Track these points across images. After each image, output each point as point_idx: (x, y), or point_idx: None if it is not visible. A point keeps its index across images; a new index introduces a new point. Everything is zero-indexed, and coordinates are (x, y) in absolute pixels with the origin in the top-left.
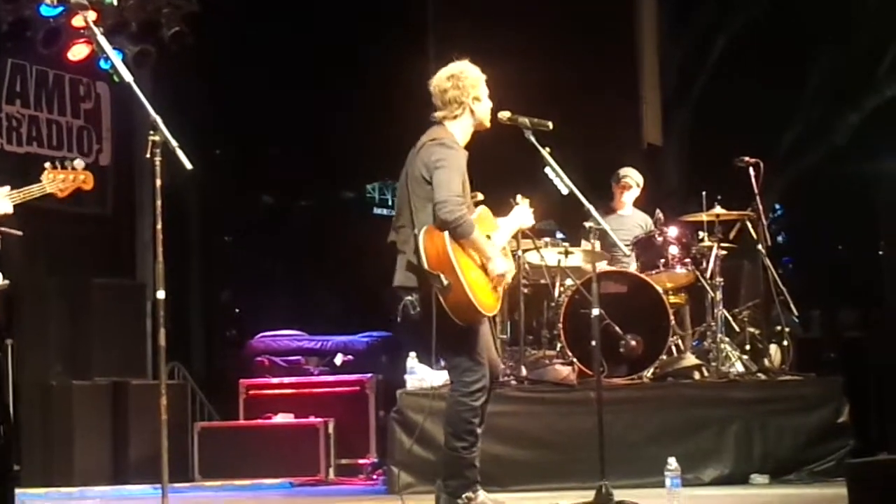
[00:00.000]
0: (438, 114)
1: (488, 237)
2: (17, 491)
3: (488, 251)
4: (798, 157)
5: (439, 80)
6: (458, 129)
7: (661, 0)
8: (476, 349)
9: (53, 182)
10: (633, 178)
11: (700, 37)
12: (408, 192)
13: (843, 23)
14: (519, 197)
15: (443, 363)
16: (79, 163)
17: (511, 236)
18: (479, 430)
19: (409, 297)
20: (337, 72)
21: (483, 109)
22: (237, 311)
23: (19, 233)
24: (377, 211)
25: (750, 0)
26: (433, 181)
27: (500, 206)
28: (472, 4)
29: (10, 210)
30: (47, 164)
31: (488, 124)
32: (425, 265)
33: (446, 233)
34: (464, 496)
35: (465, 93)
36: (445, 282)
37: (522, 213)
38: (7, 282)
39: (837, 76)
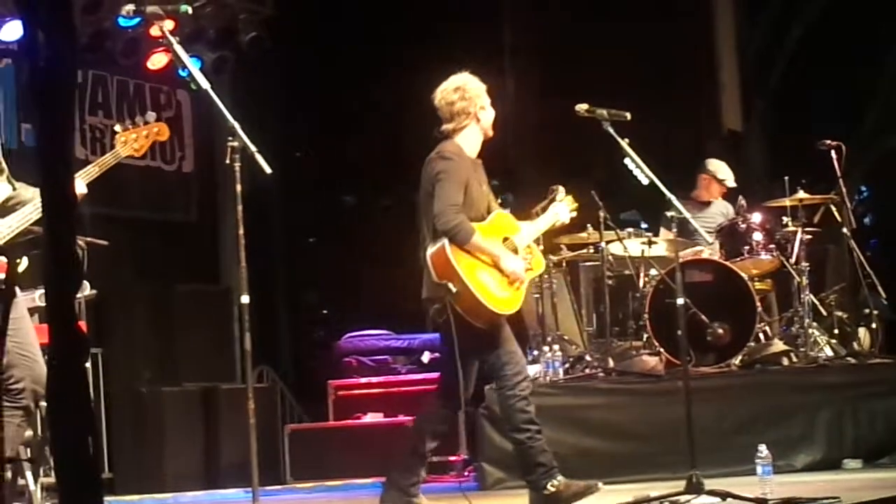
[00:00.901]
0: (446, 127)
1: (506, 239)
2: (111, 499)
3: (493, 251)
4: (882, 137)
5: (445, 92)
6: (465, 141)
7: None
8: (506, 344)
9: (127, 144)
10: (732, 181)
11: (778, 20)
12: (423, 207)
13: None
14: (561, 190)
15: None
16: (150, 115)
17: (543, 232)
18: (535, 418)
19: (435, 306)
20: (416, 70)
21: (488, 118)
22: (324, 312)
23: (105, 242)
24: None
25: None
26: (435, 194)
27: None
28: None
29: (84, 190)
30: (117, 127)
31: (491, 133)
32: (434, 277)
33: (446, 242)
34: (548, 486)
35: (471, 103)
36: (454, 289)
37: (560, 209)
38: (94, 291)
39: None
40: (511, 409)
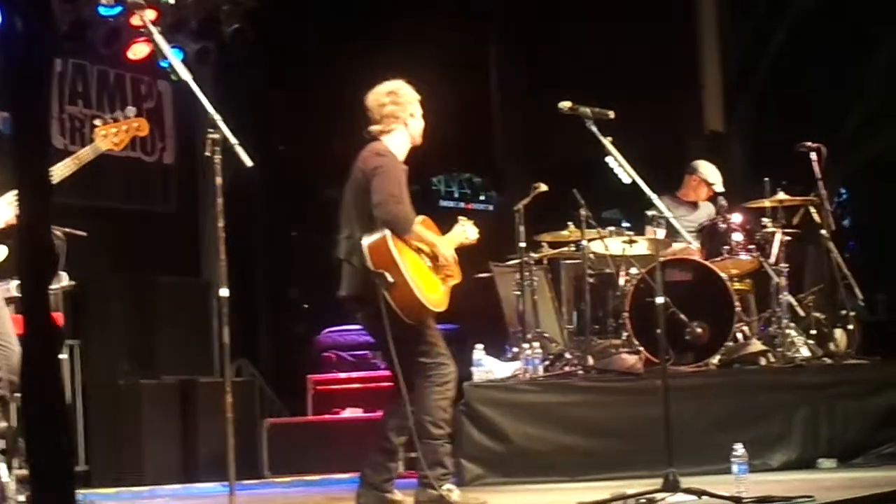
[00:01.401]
0: (374, 128)
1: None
2: (88, 491)
3: (433, 240)
4: (862, 140)
5: (377, 95)
6: (393, 144)
7: None
8: (436, 342)
9: (106, 138)
10: (721, 186)
11: (761, 22)
12: (352, 203)
13: None
14: (462, 218)
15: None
16: (130, 110)
17: (454, 246)
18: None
19: (363, 310)
20: (401, 63)
21: (417, 126)
22: (305, 306)
23: (83, 233)
24: (443, 203)
25: None
26: (371, 188)
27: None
28: None
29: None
30: (97, 122)
31: (420, 141)
32: (370, 265)
33: (388, 232)
34: (445, 487)
35: (402, 108)
36: (391, 279)
37: (466, 228)
38: (73, 283)
39: None
40: (434, 406)
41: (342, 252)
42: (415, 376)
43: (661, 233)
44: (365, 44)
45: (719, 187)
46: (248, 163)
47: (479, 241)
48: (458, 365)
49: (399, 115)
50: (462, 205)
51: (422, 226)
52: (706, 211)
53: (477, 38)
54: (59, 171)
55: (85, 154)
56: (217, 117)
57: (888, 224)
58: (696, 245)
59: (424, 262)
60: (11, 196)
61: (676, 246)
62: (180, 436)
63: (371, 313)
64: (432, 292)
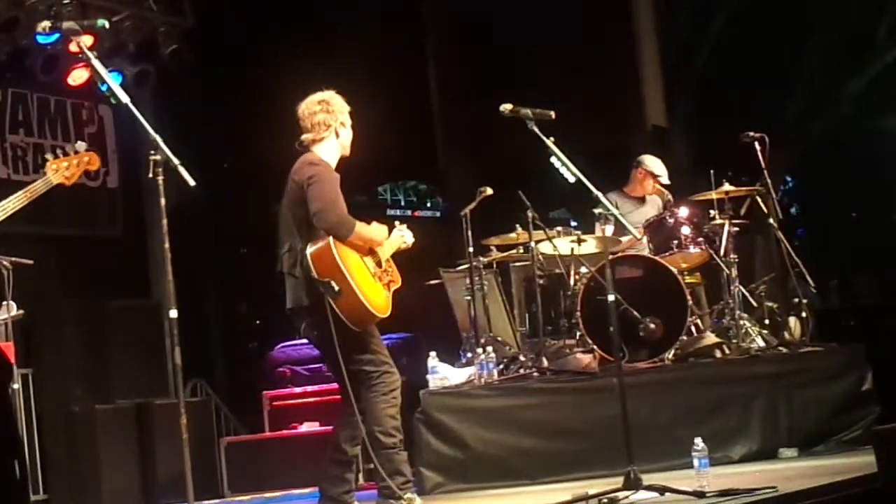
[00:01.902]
0: (305, 137)
1: (371, 251)
2: None
3: (375, 235)
4: (804, 127)
5: (309, 103)
6: (325, 153)
7: None
8: (380, 350)
9: (58, 172)
10: (667, 177)
11: (698, 14)
12: (290, 216)
13: None
14: (397, 223)
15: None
16: (80, 145)
17: (392, 251)
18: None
19: (307, 320)
20: (339, 74)
21: (347, 136)
22: (257, 322)
23: (30, 261)
24: (390, 212)
25: None
26: (308, 197)
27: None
28: None
29: None
30: (48, 156)
31: (348, 152)
32: (314, 274)
33: (330, 240)
34: (406, 496)
35: (332, 117)
36: (336, 287)
37: (402, 232)
38: (21, 311)
39: (837, 44)
40: (381, 414)
41: (284, 265)
42: (360, 386)
43: (609, 229)
44: (303, 57)
45: (665, 179)
46: (192, 182)
47: (427, 247)
48: (413, 373)
49: (330, 124)
50: (409, 212)
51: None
52: (654, 205)
53: (413, 45)
54: (11, 205)
55: (37, 188)
56: (158, 139)
57: (835, 209)
58: (644, 238)
59: (367, 268)
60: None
61: (625, 240)
62: (138, 459)
63: (316, 322)
64: (377, 298)
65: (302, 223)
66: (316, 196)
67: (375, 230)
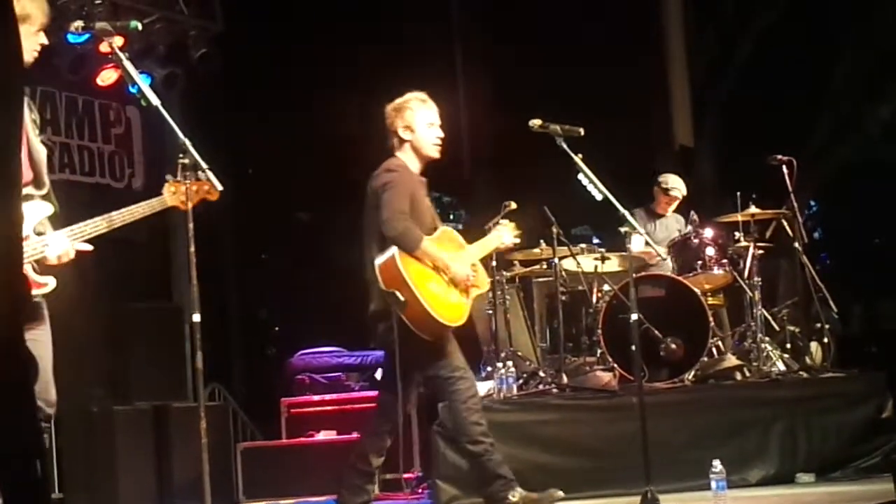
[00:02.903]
0: (390, 142)
1: None
2: None
3: (442, 257)
4: (830, 151)
5: (388, 110)
6: (406, 158)
7: (688, 2)
8: (454, 358)
9: (175, 195)
10: (680, 191)
11: (727, 36)
12: (367, 222)
13: (867, 16)
14: (503, 221)
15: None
16: (204, 174)
17: (486, 254)
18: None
19: (382, 324)
20: (368, 87)
21: (418, 140)
22: (276, 329)
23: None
24: None
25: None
26: (380, 204)
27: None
28: (496, 13)
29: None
30: (168, 177)
31: (430, 154)
32: (382, 285)
33: (395, 250)
34: (508, 497)
35: (396, 123)
36: (401, 298)
37: (503, 232)
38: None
39: (864, 69)
40: (465, 423)
41: (368, 273)
42: (440, 393)
43: (636, 242)
44: (332, 66)
45: (676, 193)
46: (219, 187)
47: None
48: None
49: (397, 129)
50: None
51: (440, 239)
52: (674, 222)
53: (444, 57)
54: (120, 218)
55: (151, 205)
56: (187, 142)
57: (859, 234)
58: (668, 259)
59: (441, 276)
60: (72, 230)
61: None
62: (154, 461)
63: (388, 331)
64: (447, 307)
65: (374, 230)
66: (387, 203)
67: (443, 254)
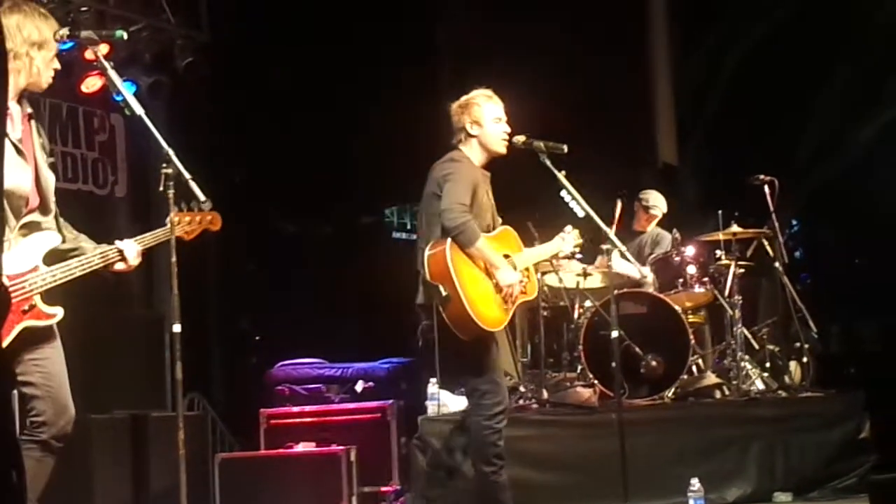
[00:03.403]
0: (455, 138)
1: (507, 256)
2: None
3: (494, 261)
4: (813, 172)
5: (453, 106)
6: (471, 152)
7: (673, 20)
8: (490, 371)
9: (179, 225)
10: (660, 209)
11: (712, 55)
12: (424, 210)
13: (852, 38)
14: (569, 227)
15: (462, 388)
16: (206, 204)
17: (544, 259)
18: (504, 454)
19: (425, 322)
20: (353, 96)
21: (486, 135)
22: (257, 338)
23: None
24: (396, 235)
25: (760, 18)
26: (442, 193)
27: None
28: (483, 30)
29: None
30: (174, 207)
31: (498, 150)
32: (427, 276)
33: (448, 243)
34: None
35: (463, 119)
36: (444, 293)
37: (566, 239)
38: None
39: (848, 91)
40: (483, 441)
41: (419, 262)
42: (468, 398)
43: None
44: (316, 77)
45: (656, 211)
46: (202, 198)
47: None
48: (412, 399)
49: (463, 126)
50: (415, 236)
51: (499, 237)
52: (647, 238)
53: (427, 72)
54: (146, 241)
55: (157, 236)
56: (170, 152)
57: (839, 255)
58: (650, 276)
59: (489, 280)
60: (141, 240)
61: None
62: (131, 471)
63: (430, 326)
64: (489, 310)
65: (431, 220)
66: (449, 193)
67: (496, 258)
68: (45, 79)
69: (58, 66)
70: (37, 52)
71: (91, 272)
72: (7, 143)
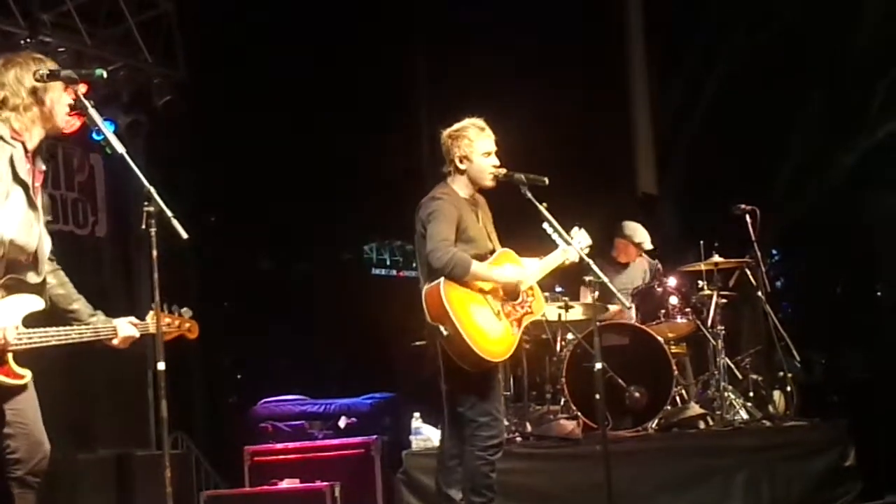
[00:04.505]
0: (444, 167)
1: None
2: None
3: (493, 277)
4: (792, 200)
5: (444, 134)
6: (458, 185)
7: (652, 50)
8: (488, 402)
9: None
10: (649, 243)
11: (690, 86)
12: (418, 252)
13: (829, 65)
14: (576, 228)
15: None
16: (186, 311)
17: (550, 271)
18: (495, 486)
19: (431, 353)
20: (331, 133)
21: (473, 169)
22: (239, 377)
23: None
24: (375, 271)
25: (736, 47)
26: (427, 235)
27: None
28: (461, 61)
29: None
30: (154, 305)
31: (486, 184)
32: (427, 318)
33: (442, 282)
34: None
35: (452, 151)
36: (445, 332)
37: (567, 250)
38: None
39: (826, 119)
40: (475, 471)
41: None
42: (464, 430)
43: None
44: (294, 112)
45: (647, 245)
46: (184, 235)
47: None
48: (396, 434)
49: (452, 157)
50: (394, 272)
51: (497, 261)
52: (639, 270)
53: (406, 107)
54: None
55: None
56: (152, 190)
57: (820, 284)
58: (631, 307)
59: (491, 306)
60: (132, 320)
61: (612, 308)
62: None
63: (433, 361)
64: (493, 342)
65: (424, 261)
66: (432, 233)
67: (494, 273)
68: (61, 118)
69: (70, 99)
70: (43, 94)
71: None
72: (23, 195)
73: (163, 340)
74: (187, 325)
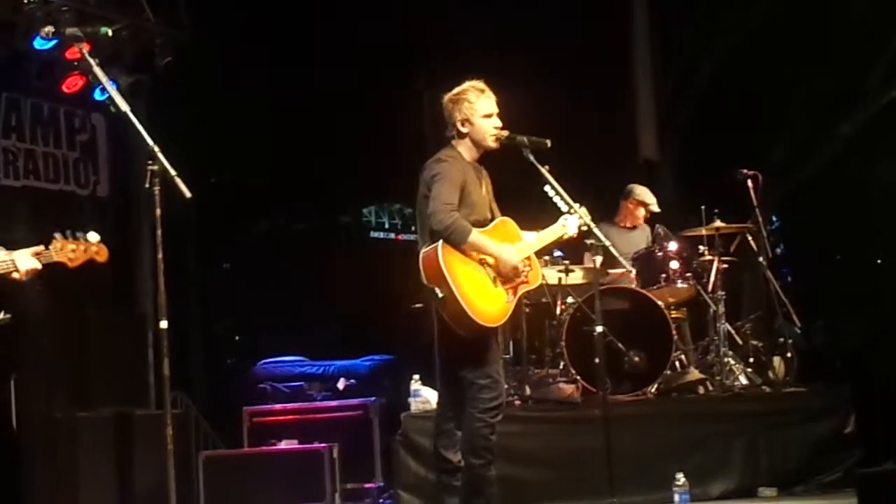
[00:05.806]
0: (447, 131)
1: None
2: None
3: (490, 249)
4: (792, 168)
5: (445, 99)
6: (462, 148)
7: (654, 17)
8: (488, 365)
9: (62, 251)
10: (656, 205)
11: (693, 51)
12: (418, 213)
13: (830, 36)
14: (576, 205)
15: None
16: (92, 236)
17: (548, 244)
18: (494, 449)
19: (427, 317)
20: (331, 95)
21: (475, 132)
22: (237, 338)
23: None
24: (374, 234)
25: (740, 16)
26: (430, 195)
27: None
28: (462, 29)
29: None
30: (56, 235)
31: (489, 145)
32: (423, 279)
33: (440, 245)
34: None
35: (454, 115)
36: (440, 294)
37: (569, 220)
38: (8, 316)
39: (827, 88)
40: (474, 433)
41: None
42: (465, 393)
43: (599, 260)
44: (292, 77)
45: (655, 207)
46: (188, 194)
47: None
48: (395, 396)
49: (454, 120)
50: (393, 236)
51: (495, 229)
52: (643, 235)
53: (405, 71)
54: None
55: (49, 256)
56: (156, 149)
57: (821, 250)
58: (632, 271)
59: (486, 274)
60: (34, 250)
61: (614, 272)
62: (116, 469)
63: (429, 324)
64: (487, 306)
65: (424, 222)
66: (435, 195)
67: (492, 245)
68: None
69: None
70: None
71: None
72: None
73: (74, 266)
74: (94, 248)
